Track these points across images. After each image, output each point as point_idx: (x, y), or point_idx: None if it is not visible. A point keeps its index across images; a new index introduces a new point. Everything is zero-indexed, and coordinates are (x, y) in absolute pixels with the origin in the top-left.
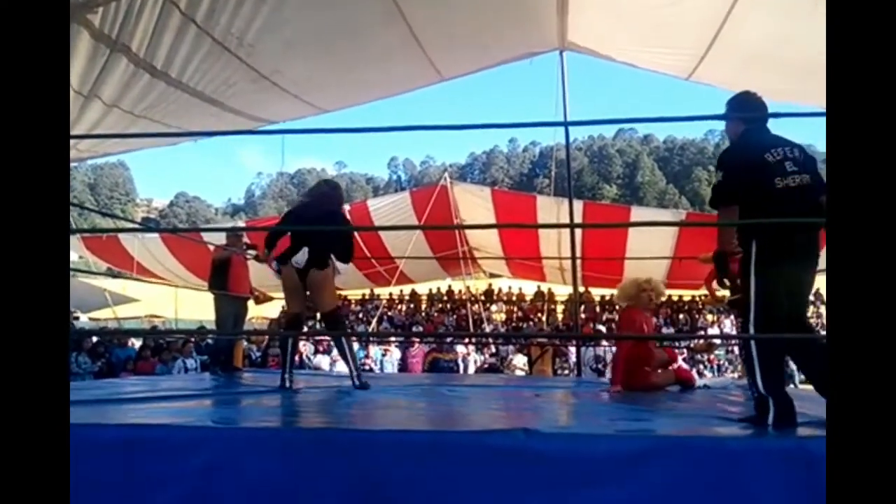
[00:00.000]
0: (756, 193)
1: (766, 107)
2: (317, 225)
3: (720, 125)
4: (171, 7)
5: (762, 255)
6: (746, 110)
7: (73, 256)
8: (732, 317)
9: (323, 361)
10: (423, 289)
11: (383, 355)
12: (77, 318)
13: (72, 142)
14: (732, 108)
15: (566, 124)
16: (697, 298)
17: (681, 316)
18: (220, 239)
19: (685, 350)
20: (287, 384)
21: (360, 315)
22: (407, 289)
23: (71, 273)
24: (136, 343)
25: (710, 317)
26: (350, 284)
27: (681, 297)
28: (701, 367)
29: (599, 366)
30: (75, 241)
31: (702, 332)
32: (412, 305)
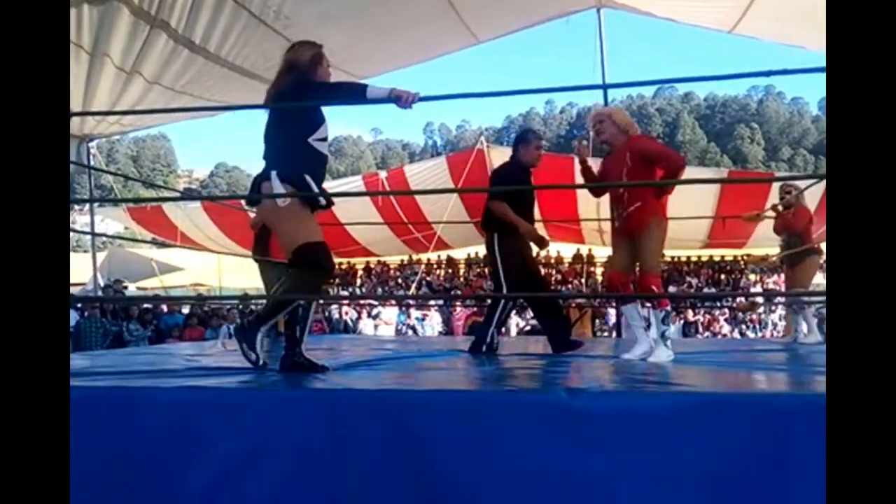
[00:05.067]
0: None
1: None
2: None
3: (763, 80)
4: None
5: None
6: None
7: (119, 227)
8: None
9: (367, 326)
10: (461, 254)
11: (423, 319)
12: (126, 288)
13: (115, 117)
14: None
15: (605, 87)
16: (740, 258)
17: (723, 276)
18: None
19: (727, 310)
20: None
21: (400, 281)
22: (445, 255)
23: (118, 243)
24: (185, 310)
25: (752, 276)
26: (389, 251)
27: (723, 256)
28: (743, 326)
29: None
30: (121, 212)
31: (743, 291)
32: (450, 270)
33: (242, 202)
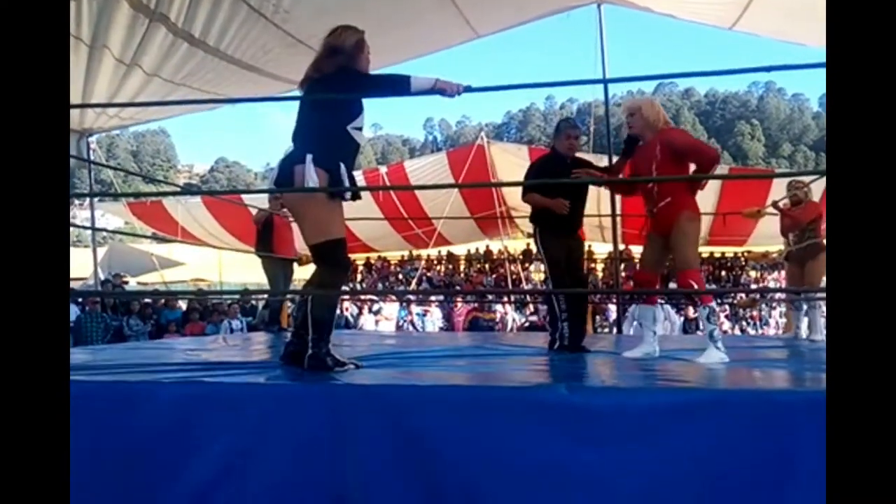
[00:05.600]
0: None
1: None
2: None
3: (764, 76)
4: None
5: None
6: None
7: (120, 222)
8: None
9: (368, 321)
10: (461, 250)
11: (424, 315)
12: (126, 283)
13: (115, 109)
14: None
15: (605, 81)
16: (740, 255)
17: (723, 272)
18: (263, 202)
19: (728, 306)
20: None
21: (400, 276)
22: (445, 250)
23: (118, 238)
24: (184, 305)
25: (752, 273)
26: (389, 246)
27: (723, 253)
28: (744, 323)
29: None
30: (121, 207)
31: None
32: (451, 266)
33: (242, 197)
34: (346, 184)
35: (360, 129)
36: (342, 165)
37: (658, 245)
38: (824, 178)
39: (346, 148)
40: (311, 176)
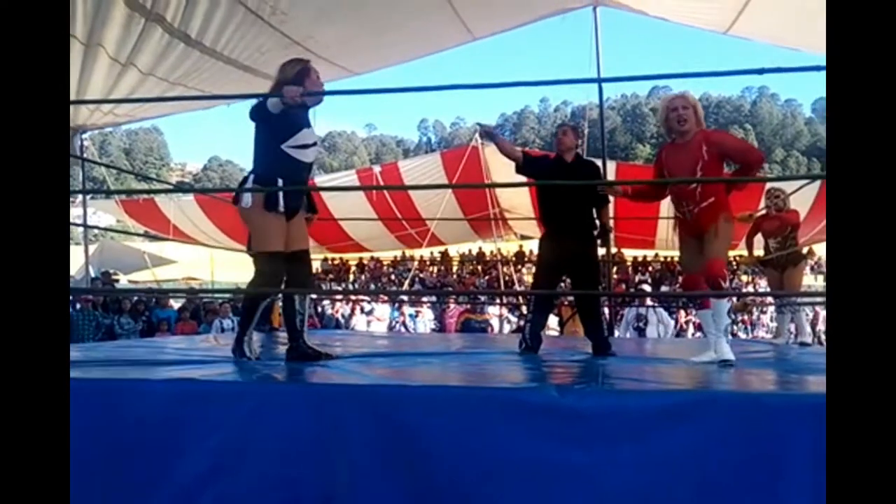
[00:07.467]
0: None
1: None
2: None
3: (757, 81)
4: None
5: None
6: None
7: (112, 220)
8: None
9: (360, 322)
10: (454, 251)
11: (415, 316)
12: (117, 280)
13: (109, 106)
14: None
15: (600, 81)
16: (733, 259)
17: None
18: None
19: None
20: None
21: (393, 276)
22: (438, 251)
23: (109, 235)
24: (176, 304)
25: (745, 277)
26: (382, 247)
27: None
28: (735, 327)
29: (641, 324)
30: (113, 205)
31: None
32: (444, 267)
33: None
34: (282, 198)
35: (302, 147)
36: (280, 181)
37: (692, 246)
38: (803, 189)
39: (284, 165)
40: (248, 195)
